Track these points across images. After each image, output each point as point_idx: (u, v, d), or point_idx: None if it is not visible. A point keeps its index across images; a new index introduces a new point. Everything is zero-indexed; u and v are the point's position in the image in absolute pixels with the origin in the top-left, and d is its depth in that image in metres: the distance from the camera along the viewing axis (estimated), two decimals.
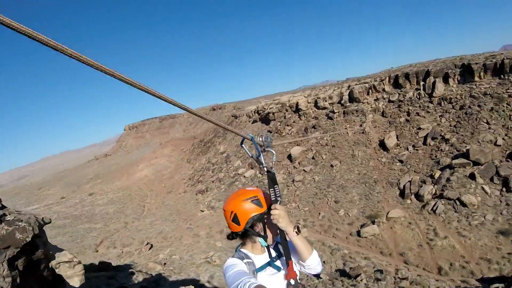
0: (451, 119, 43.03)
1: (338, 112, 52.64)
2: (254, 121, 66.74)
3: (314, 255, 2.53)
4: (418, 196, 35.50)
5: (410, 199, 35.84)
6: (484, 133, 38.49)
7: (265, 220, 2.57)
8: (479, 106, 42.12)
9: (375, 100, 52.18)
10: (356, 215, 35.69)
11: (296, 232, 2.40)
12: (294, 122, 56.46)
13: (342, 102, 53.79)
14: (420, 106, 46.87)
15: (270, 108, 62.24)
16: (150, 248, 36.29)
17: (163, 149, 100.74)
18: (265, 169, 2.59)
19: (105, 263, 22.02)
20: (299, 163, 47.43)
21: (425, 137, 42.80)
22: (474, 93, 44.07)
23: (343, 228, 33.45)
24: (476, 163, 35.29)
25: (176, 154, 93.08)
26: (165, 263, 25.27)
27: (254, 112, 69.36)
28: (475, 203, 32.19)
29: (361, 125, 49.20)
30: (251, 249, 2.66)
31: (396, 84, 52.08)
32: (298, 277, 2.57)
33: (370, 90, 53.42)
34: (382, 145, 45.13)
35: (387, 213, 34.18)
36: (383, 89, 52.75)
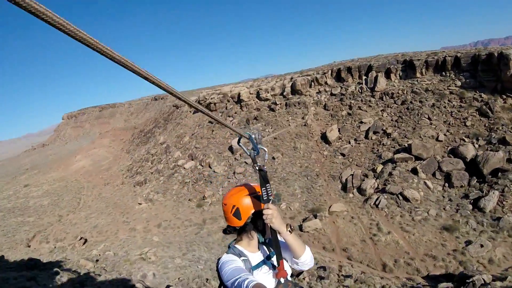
0: (393, 114, 47.26)
1: (280, 104, 57.59)
2: (195, 112, 70.40)
3: (307, 251, 2.87)
4: (361, 190, 38.10)
5: (353, 193, 38.56)
6: (426, 129, 42.53)
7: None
8: (420, 101, 46.60)
9: (317, 93, 56.99)
10: (298, 208, 37.99)
11: (289, 231, 2.71)
12: (235, 113, 61.62)
13: (285, 94, 58.62)
14: (362, 100, 51.40)
15: (211, 98, 66.66)
16: (84, 243, 38.24)
17: (102, 139, 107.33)
18: (257, 167, 2.86)
19: (34, 260, 22.10)
20: (240, 155, 50.99)
21: (367, 131, 46.44)
22: (416, 89, 48.63)
23: (285, 222, 37.50)
24: (418, 158, 38.66)
25: (115, 145, 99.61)
26: (97, 260, 25.79)
27: (196, 102, 75.32)
28: (418, 198, 34.62)
29: (303, 118, 53.17)
30: (247, 246, 2.98)
31: (338, 78, 56.95)
32: (288, 276, 2.85)
33: (312, 83, 58.05)
34: (324, 138, 48.58)
35: (330, 207, 36.12)
36: (326, 82, 57.46)
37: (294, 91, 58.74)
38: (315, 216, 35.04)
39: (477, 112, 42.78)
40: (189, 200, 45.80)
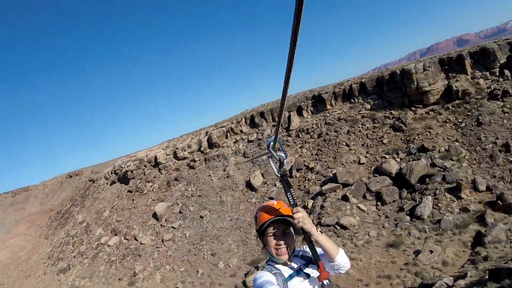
0: (312, 148, 48.85)
1: (199, 160, 58.07)
2: (113, 183, 69.89)
3: (342, 252, 3.06)
4: (297, 230, 39.95)
5: None
6: (346, 155, 44.00)
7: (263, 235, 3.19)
8: (335, 131, 48.69)
9: (234, 142, 58.33)
10: (237, 264, 36.85)
11: (320, 231, 2.88)
12: (155, 177, 61.22)
13: (202, 149, 59.50)
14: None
15: (127, 166, 65.37)
16: None
17: (18, 227, 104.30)
18: (281, 173, 3.05)
19: None
20: (166, 220, 49.98)
21: (290, 170, 47.14)
22: (329, 120, 51.07)
23: (226, 282, 34.44)
24: (345, 185, 39.17)
25: (32, 231, 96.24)
26: None
27: (111, 173, 73.17)
28: (355, 223, 34.47)
29: (224, 170, 53.59)
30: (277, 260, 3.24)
31: (253, 124, 58.86)
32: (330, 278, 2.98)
33: (228, 134, 59.56)
34: (249, 186, 48.81)
35: None
36: (241, 131, 59.23)
37: (211, 144, 59.42)
38: (257, 268, 33.33)
39: (391, 129, 45.06)
40: (119, 279, 42.98)
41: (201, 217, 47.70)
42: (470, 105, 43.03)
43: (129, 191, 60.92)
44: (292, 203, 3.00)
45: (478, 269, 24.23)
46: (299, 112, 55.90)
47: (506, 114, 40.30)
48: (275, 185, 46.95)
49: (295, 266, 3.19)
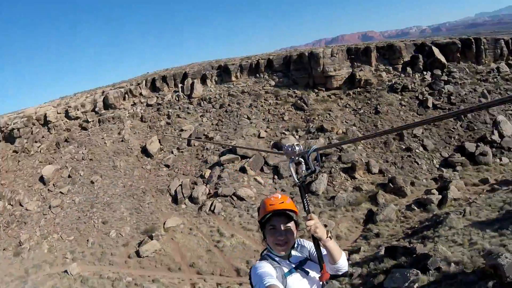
0: (213, 118, 46.99)
1: (93, 121, 52.42)
2: None
3: (344, 256, 3.02)
4: (193, 199, 35.85)
5: (185, 203, 36.13)
6: (247, 128, 43.00)
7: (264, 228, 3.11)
8: (238, 103, 47.53)
9: (132, 105, 53.80)
10: (130, 233, 33.66)
11: (329, 237, 2.85)
12: (43, 137, 53.62)
13: (97, 109, 53.79)
14: (180, 108, 50.38)
15: (14, 124, 55.60)
16: None
17: None
18: (302, 180, 3.07)
19: None
20: (53, 184, 44.19)
21: (189, 136, 44.84)
22: (233, 92, 49.71)
23: (119, 252, 31.56)
24: (244, 157, 38.27)
25: None
26: None
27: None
28: (252, 195, 33.71)
29: (119, 133, 49.14)
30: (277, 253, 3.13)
31: (153, 88, 54.96)
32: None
33: (126, 95, 54.75)
34: (145, 151, 45.21)
35: (164, 224, 33.07)
36: (141, 94, 54.88)
37: (107, 105, 54.15)
38: (151, 237, 31.11)
39: (293, 107, 45.14)
40: (3, 249, 36.53)
41: (92, 182, 42.72)
42: (371, 94, 44.69)
43: (15, 151, 52.71)
44: (306, 209, 2.93)
45: (370, 245, 24.66)
46: (203, 80, 53.55)
47: (403, 107, 42.59)
48: (172, 153, 43.85)
49: (295, 261, 3.11)
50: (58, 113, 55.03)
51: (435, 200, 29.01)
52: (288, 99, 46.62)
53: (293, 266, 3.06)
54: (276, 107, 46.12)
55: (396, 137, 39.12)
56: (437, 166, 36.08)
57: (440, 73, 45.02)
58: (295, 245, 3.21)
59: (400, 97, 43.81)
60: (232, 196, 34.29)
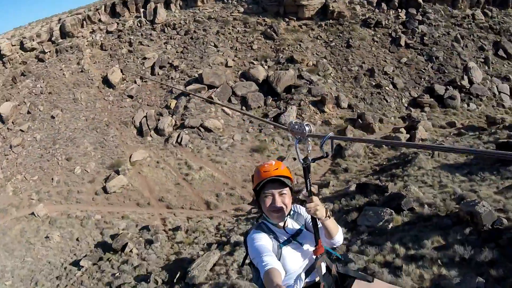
0: (178, 45, 44.32)
1: (50, 51, 48.66)
2: None
3: (340, 231, 2.97)
4: (159, 131, 34.43)
5: (151, 135, 34.72)
6: (214, 56, 40.89)
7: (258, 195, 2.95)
8: (204, 30, 44.85)
9: (91, 32, 49.99)
10: (95, 169, 32.15)
11: (328, 217, 2.77)
12: None
13: (53, 39, 49.94)
14: (142, 35, 47.31)
15: None
16: None
17: None
18: (309, 161, 2.78)
19: None
20: (13, 122, 41.17)
21: (152, 67, 42.73)
22: (199, 17, 46.79)
23: (85, 189, 30.51)
24: (211, 87, 36.63)
25: None
26: None
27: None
28: (220, 127, 32.75)
29: (78, 63, 45.74)
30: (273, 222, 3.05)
31: (113, 14, 51.10)
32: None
33: (84, 22, 50.69)
34: (107, 82, 42.39)
35: (130, 157, 31.75)
36: (100, 20, 50.96)
37: (64, 34, 49.82)
38: (117, 172, 29.81)
39: (262, 36, 42.97)
40: None
41: (53, 117, 39.87)
42: (343, 27, 43.14)
43: None
44: (308, 190, 2.79)
45: (339, 179, 24.22)
46: (167, 5, 50.15)
47: (375, 42, 41.53)
48: (135, 82, 41.31)
49: (290, 231, 3.01)
50: (12, 45, 50.74)
51: (403, 139, 29.07)
52: (257, 27, 44.30)
53: (289, 235, 2.97)
54: (245, 35, 43.85)
55: (367, 73, 38.42)
56: (406, 105, 36.16)
57: (415, 12, 43.95)
58: (291, 213, 3.08)
59: (373, 32, 42.63)
60: (199, 127, 33.14)
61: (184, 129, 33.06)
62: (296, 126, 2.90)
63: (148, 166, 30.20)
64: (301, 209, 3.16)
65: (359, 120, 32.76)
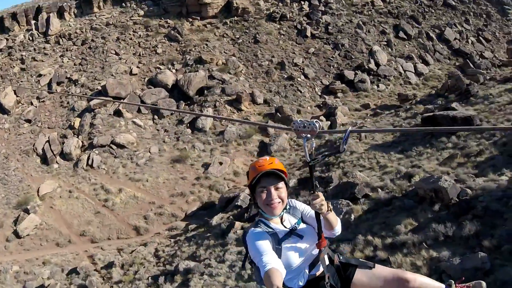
0: (75, 57, 40.31)
1: None
2: None
3: (339, 222, 2.91)
4: (65, 155, 30.50)
5: (57, 162, 30.50)
6: (116, 65, 37.77)
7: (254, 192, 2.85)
8: (103, 37, 41.30)
9: None
10: (1, 211, 26.83)
11: (330, 210, 2.68)
12: None
13: None
14: (35, 49, 42.11)
15: None
16: None
17: None
18: (311, 161, 2.67)
19: None
20: None
21: (49, 84, 38.26)
22: (96, 25, 43.03)
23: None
24: (117, 98, 33.36)
25: None
26: None
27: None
28: (133, 140, 29.95)
29: None
30: (271, 219, 2.96)
31: (1, 29, 45.09)
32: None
33: None
34: None
35: (38, 191, 27.30)
36: None
37: None
38: (27, 211, 25.15)
39: (166, 38, 40.40)
40: None
41: None
42: (249, 23, 42.03)
43: None
44: (314, 185, 2.68)
45: None
46: (60, 14, 45.26)
47: (282, 36, 41.05)
48: (32, 104, 36.33)
49: (289, 225, 2.93)
50: None
51: (325, 127, 28.86)
52: (160, 30, 41.58)
53: (288, 230, 2.87)
54: (148, 39, 40.98)
55: (278, 66, 37.77)
56: (319, 93, 36.11)
57: (318, 3, 44.18)
58: (287, 207, 2.98)
59: (278, 26, 42.11)
60: (111, 145, 30.01)
61: (94, 149, 29.56)
62: (303, 125, 2.58)
63: (60, 198, 26.18)
64: (296, 203, 3.11)
65: (278, 113, 32.00)
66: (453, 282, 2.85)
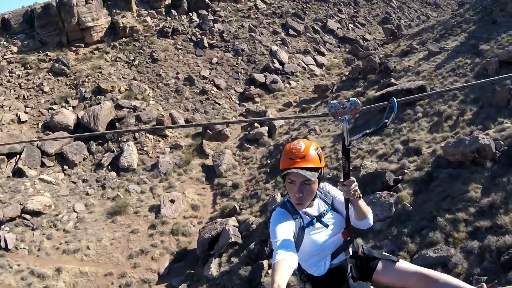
0: None
1: None
2: None
3: (370, 212, 2.67)
4: None
5: None
6: (0, 114, 30.06)
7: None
8: None
9: None
10: None
11: (359, 197, 2.49)
12: None
13: None
14: None
15: None
16: None
17: None
18: (353, 142, 2.38)
19: None
20: None
21: None
22: None
23: None
24: (11, 155, 26.90)
25: None
26: None
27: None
28: (49, 202, 23.51)
29: None
30: None
31: None
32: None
33: None
34: None
35: None
36: None
37: None
38: None
39: (50, 74, 33.38)
40: None
41: None
42: (140, 43, 37.00)
43: None
44: (346, 172, 2.43)
45: (259, 199, 20.54)
46: None
47: (180, 50, 37.09)
48: None
49: (316, 211, 2.74)
50: None
51: (265, 132, 26.75)
52: (41, 65, 34.18)
53: (314, 217, 2.67)
54: (29, 78, 33.46)
55: (186, 82, 34.01)
56: (237, 102, 33.37)
57: (206, 13, 40.96)
58: (320, 192, 2.76)
59: (173, 41, 37.99)
60: (22, 215, 22.93)
61: (2, 226, 22.22)
62: (343, 106, 2.22)
63: None
64: (330, 188, 2.82)
65: (208, 131, 28.43)
66: (485, 285, 2.78)
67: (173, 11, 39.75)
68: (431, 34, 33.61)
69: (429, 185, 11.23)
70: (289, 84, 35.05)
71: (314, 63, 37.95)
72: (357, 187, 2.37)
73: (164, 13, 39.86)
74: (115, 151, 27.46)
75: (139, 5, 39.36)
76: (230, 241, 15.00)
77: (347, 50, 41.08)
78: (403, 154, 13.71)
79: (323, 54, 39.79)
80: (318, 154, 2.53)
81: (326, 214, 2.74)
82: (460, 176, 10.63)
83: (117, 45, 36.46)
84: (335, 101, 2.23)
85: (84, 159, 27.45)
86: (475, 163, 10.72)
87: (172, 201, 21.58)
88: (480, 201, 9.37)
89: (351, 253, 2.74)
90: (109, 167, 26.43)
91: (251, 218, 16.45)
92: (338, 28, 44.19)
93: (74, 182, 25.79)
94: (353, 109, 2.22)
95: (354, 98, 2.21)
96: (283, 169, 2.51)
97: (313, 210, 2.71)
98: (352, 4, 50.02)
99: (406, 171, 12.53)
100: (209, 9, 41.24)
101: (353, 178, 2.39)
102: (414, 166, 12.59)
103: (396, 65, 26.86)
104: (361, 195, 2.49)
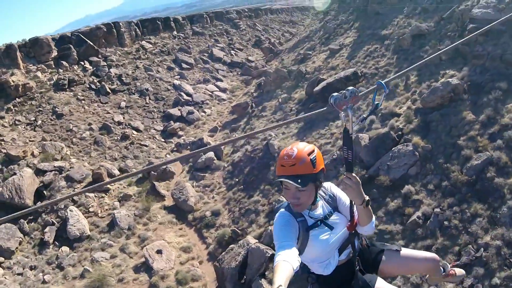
0: None
1: None
2: None
3: (372, 223, 2.60)
4: None
5: None
6: None
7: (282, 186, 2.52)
8: None
9: None
10: None
11: (363, 206, 2.42)
12: None
13: None
14: None
15: None
16: None
17: None
18: (349, 130, 2.37)
19: None
20: None
21: None
22: None
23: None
24: None
25: None
26: None
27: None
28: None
29: None
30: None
31: None
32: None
33: None
34: None
35: None
36: None
37: None
38: None
39: None
40: None
41: None
42: (37, 100, 32.55)
43: None
44: (353, 162, 2.40)
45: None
46: None
47: (83, 101, 33.80)
48: None
49: (321, 213, 2.63)
50: None
51: (214, 156, 27.21)
52: None
53: (317, 219, 2.62)
54: None
55: (103, 132, 31.70)
56: (163, 140, 32.45)
57: (97, 59, 38.10)
58: (323, 193, 2.74)
59: (72, 93, 34.46)
60: None
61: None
62: (342, 94, 2.28)
63: None
64: (334, 190, 2.79)
65: (152, 172, 27.11)
66: (448, 264, 3.21)
67: (64, 62, 36.13)
68: (313, 42, 35.00)
69: (429, 127, 12.85)
70: (204, 112, 35.39)
71: (218, 89, 39.04)
72: (354, 185, 2.37)
73: (53, 66, 35.96)
74: (55, 222, 23.75)
75: (25, 61, 34.74)
76: (268, 255, 13.73)
77: (238, 73, 43.27)
78: (382, 120, 14.77)
79: (221, 80, 41.25)
80: (311, 159, 2.43)
81: (330, 216, 2.69)
82: (450, 111, 12.67)
83: (11, 107, 31.58)
84: (335, 94, 2.27)
85: (20, 243, 22.92)
86: (454, 100, 12.84)
87: (159, 252, 19.90)
88: (478, 119, 11.64)
89: (356, 245, 2.70)
90: (56, 242, 22.46)
91: (270, 228, 15.71)
92: (224, 55, 46.15)
93: (21, 274, 20.92)
94: (353, 97, 2.27)
95: (352, 87, 2.28)
96: (277, 176, 2.50)
97: (317, 212, 2.65)
98: (225, 34, 52.73)
99: (400, 126, 13.76)
100: (99, 56, 38.70)
101: (350, 174, 2.41)
102: (404, 121, 13.83)
103: (306, 68, 28.12)
104: (366, 205, 2.46)
